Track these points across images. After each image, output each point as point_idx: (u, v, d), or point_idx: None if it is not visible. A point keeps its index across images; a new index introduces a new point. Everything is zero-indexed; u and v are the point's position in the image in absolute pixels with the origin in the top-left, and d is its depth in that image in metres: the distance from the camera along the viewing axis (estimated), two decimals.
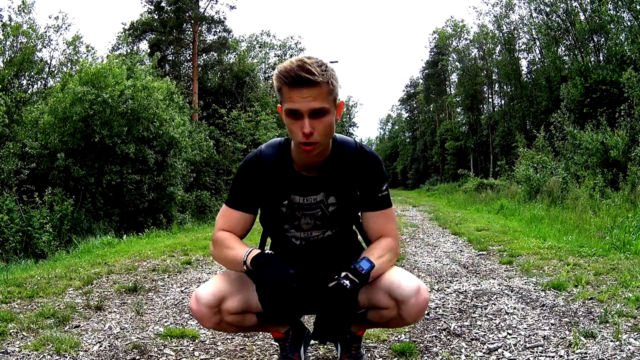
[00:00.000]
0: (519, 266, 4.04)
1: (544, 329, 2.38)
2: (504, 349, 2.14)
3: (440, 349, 2.19)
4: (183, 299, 3.26)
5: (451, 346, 2.22)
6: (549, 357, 2.03)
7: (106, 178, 10.44)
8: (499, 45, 27.86)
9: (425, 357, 2.10)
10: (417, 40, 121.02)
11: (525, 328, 2.42)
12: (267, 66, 29.62)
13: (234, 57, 24.83)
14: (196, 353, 2.19)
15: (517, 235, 6.20)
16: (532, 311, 2.71)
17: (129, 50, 20.31)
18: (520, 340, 2.24)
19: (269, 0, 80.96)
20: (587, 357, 2.00)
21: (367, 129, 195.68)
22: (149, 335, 2.45)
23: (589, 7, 18.43)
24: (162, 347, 2.26)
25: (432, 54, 35.91)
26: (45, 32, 13.44)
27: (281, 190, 1.65)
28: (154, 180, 11.46)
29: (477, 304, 2.94)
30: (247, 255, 1.52)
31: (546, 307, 2.77)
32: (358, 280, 1.48)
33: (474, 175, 20.97)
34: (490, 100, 31.82)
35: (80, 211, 10.00)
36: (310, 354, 2.12)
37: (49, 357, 2.10)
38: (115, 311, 2.91)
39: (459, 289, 3.35)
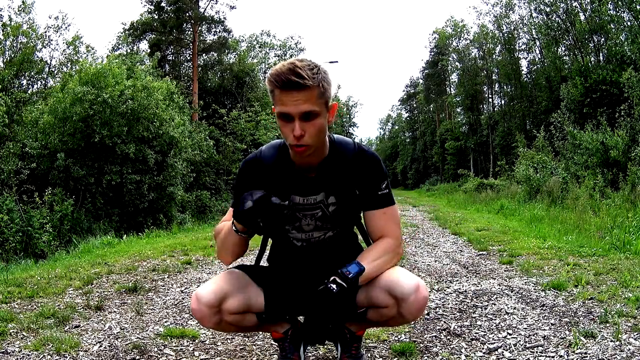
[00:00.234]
0: (519, 266, 4.04)
1: (544, 329, 2.38)
2: (504, 349, 2.14)
3: (440, 349, 2.19)
4: (183, 299, 3.26)
5: (451, 346, 2.22)
6: (549, 357, 2.03)
7: (106, 178, 10.45)
8: (499, 45, 27.86)
9: (425, 357, 2.10)
10: (417, 40, 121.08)
11: (525, 328, 2.42)
12: (267, 66, 29.58)
13: (234, 57, 24.84)
14: (196, 353, 2.19)
15: (517, 235, 6.21)
16: (532, 311, 2.71)
17: (129, 50, 20.29)
18: (520, 340, 2.24)
19: (269, 0, 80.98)
20: (587, 357, 2.00)
21: (367, 129, 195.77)
22: (149, 335, 2.45)
23: (589, 7, 18.43)
24: (162, 347, 2.26)
25: (432, 54, 35.92)
26: (45, 32, 13.45)
27: (281, 190, 1.66)
28: (154, 180, 11.46)
29: (477, 304, 2.94)
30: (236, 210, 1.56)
31: (546, 307, 2.77)
32: (345, 285, 1.50)
33: (474, 175, 20.98)
34: (490, 100, 31.83)
35: (80, 211, 10.00)
36: (310, 354, 2.12)
37: (49, 357, 2.10)
38: (115, 311, 2.92)
39: (459, 289, 3.35)
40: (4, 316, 2.65)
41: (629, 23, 15.75)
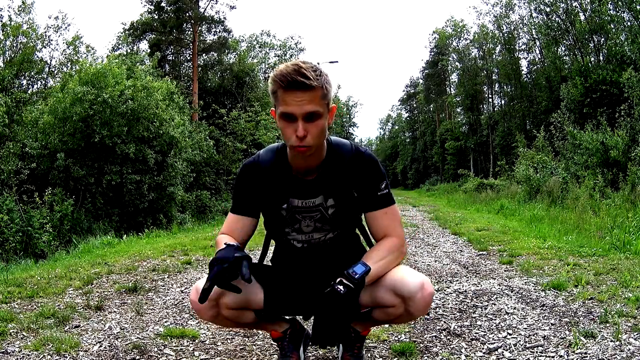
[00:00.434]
0: (519, 266, 4.04)
1: (544, 329, 2.38)
2: (504, 349, 2.14)
3: (440, 349, 2.19)
4: (183, 299, 3.26)
5: (451, 346, 2.22)
6: (549, 357, 2.03)
7: (106, 178, 10.45)
8: (499, 45, 27.87)
9: (425, 357, 2.10)
10: (417, 40, 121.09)
11: (525, 328, 2.42)
12: (267, 66, 29.60)
13: (234, 57, 24.83)
14: (196, 353, 2.19)
15: (517, 235, 6.21)
16: (532, 311, 2.71)
17: (129, 50, 20.29)
18: (520, 340, 2.24)
19: (269, 0, 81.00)
20: (587, 357, 2.00)
21: (367, 129, 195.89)
22: (149, 335, 2.45)
23: (589, 7, 18.42)
24: (162, 347, 2.26)
25: (432, 54, 35.93)
26: (45, 32, 13.48)
27: (280, 193, 1.67)
28: (154, 180, 11.46)
29: (477, 304, 2.94)
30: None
31: (546, 307, 2.77)
32: (352, 285, 1.50)
33: (474, 175, 20.97)
34: (490, 100, 31.84)
35: (80, 211, 10.01)
36: (310, 354, 2.12)
37: (49, 357, 2.10)
38: (115, 311, 2.92)
39: (459, 289, 3.35)
40: (4, 316, 2.65)
41: (629, 23, 15.75)
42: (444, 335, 2.38)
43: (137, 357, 2.13)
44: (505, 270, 3.97)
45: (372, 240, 1.75)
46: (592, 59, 18.58)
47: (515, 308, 2.79)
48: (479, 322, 2.56)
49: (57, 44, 19.51)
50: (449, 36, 33.09)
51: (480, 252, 5.00)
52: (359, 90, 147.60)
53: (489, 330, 2.42)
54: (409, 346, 2.15)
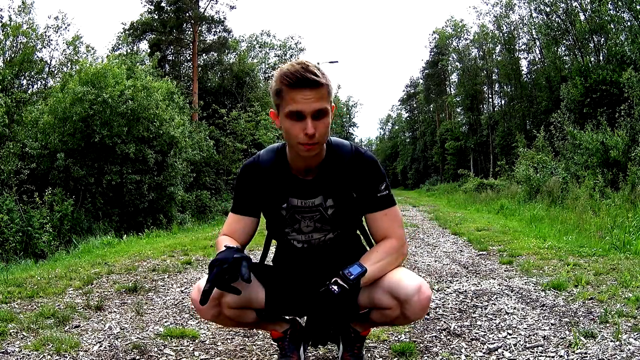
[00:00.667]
0: (519, 266, 4.04)
1: (544, 329, 2.38)
2: (504, 349, 2.14)
3: (440, 349, 2.19)
4: (183, 299, 3.26)
5: (451, 346, 2.22)
6: (549, 357, 2.03)
7: (106, 178, 10.45)
8: (499, 45, 27.87)
9: (425, 357, 2.10)
10: (417, 40, 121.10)
11: (525, 328, 2.42)
12: (267, 66, 29.59)
13: (234, 57, 24.82)
14: (196, 353, 2.19)
15: (517, 235, 6.20)
16: (532, 311, 2.71)
17: (129, 50, 20.28)
18: (520, 340, 2.24)
19: (269, 0, 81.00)
20: (587, 357, 2.00)
21: (367, 129, 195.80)
22: (149, 335, 2.45)
23: (589, 7, 18.42)
24: (162, 347, 2.26)
25: (432, 54, 35.92)
26: (45, 32, 13.46)
27: (279, 194, 1.67)
28: (154, 180, 11.46)
29: (477, 304, 2.94)
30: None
31: (546, 307, 2.77)
32: (346, 286, 1.50)
33: (474, 175, 20.98)
34: (490, 100, 31.83)
35: (80, 211, 10.00)
36: (310, 354, 2.12)
37: (49, 357, 2.11)
38: (115, 311, 2.92)
39: (459, 289, 3.35)
40: (4, 316, 2.65)
41: (629, 23, 15.74)
42: (444, 335, 2.38)
43: (137, 357, 2.13)
44: (505, 270, 3.97)
45: (373, 242, 1.75)
46: (592, 59, 18.58)
47: (515, 308, 2.79)
48: (479, 322, 2.56)
49: (57, 44, 19.46)
50: (449, 36, 33.09)
51: (480, 252, 5.00)
52: (359, 90, 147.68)
53: (489, 330, 2.42)
54: (409, 346, 2.15)
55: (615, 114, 11.06)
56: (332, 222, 1.70)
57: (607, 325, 2.36)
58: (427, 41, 40.20)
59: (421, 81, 43.07)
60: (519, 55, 26.77)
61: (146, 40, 21.37)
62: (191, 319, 2.76)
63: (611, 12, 16.60)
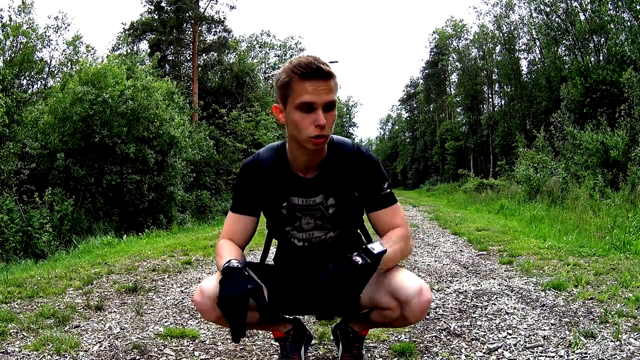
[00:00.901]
0: (519, 266, 4.04)
1: (544, 329, 2.38)
2: (504, 349, 2.14)
3: (440, 349, 2.19)
4: (183, 299, 3.26)
5: (451, 346, 2.22)
6: (549, 357, 2.03)
7: (106, 178, 10.45)
8: (499, 45, 27.87)
9: (425, 357, 2.10)
10: (417, 40, 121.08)
11: (525, 328, 2.42)
12: (267, 66, 29.61)
13: (234, 57, 24.83)
14: (196, 353, 2.19)
15: (517, 235, 6.20)
16: (532, 311, 2.71)
17: (129, 50, 20.31)
18: (520, 340, 2.24)
19: (269, 0, 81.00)
20: (587, 357, 2.00)
21: (367, 129, 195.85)
22: (149, 335, 2.45)
23: (589, 7, 18.42)
24: (162, 347, 2.26)
25: (432, 54, 35.92)
26: (45, 32, 13.46)
27: (280, 192, 1.66)
28: (154, 180, 11.46)
29: (477, 304, 2.94)
30: (223, 266, 1.50)
31: (546, 307, 2.77)
32: (369, 260, 1.43)
33: (474, 175, 20.97)
34: (490, 100, 31.83)
35: (80, 211, 10.01)
36: (310, 354, 2.12)
37: (49, 357, 2.10)
38: (115, 311, 2.92)
39: (459, 289, 3.35)
40: (4, 316, 2.65)
41: (629, 23, 15.74)
42: (444, 335, 2.38)
43: (137, 357, 2.13)
44: (505, 270, 3.97)
45: (378, 238, 1.74)
46: (592, 59, 18.58)
47: (515, 308, 2.79)
48: (479, 322, 2.56)
49: (57, 44, 19.44)
50: (449, 36, 33.09)
51: (480, 252, 5.00)
52: (359, 90, 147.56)
53: (489, 330, 2.42)
54: (409, 346, 2.15)
55: (615, 114, 11.07)
56: (332, 220, 1.70)
57: (607, 325, 2.36)
58: (427, 41, 40.26)
59: (421, 81, 43.08)
60: (519, 55, 26.81)
61: (146, 40, 21.39)
62: (191, 319, 2.76)
63: (611, 12, 16.59)
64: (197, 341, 2.35)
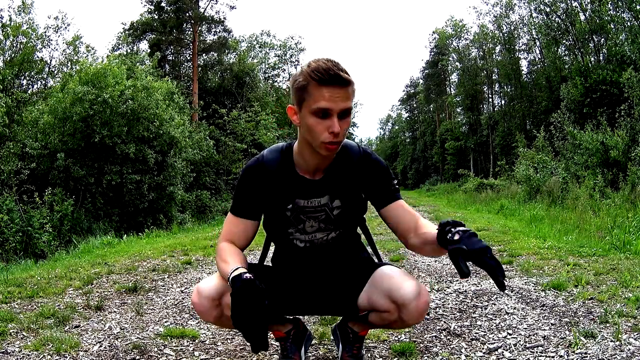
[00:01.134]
0: (519, 266, 4.04)
1: (544, 329, 2.37)
2: (504, 349, 2.14)
3: (440, 349, 2.19)
4: (183, 299, 3.26)
5: (451, 346, 2.22)
6: (549, 357, 2.03)
7: (106, 178, 10.45)
8: (499, 45, 27.88)
9: (425, 357, 2.10)
10: (417, 40, 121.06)
11: (525, 328, 2.42)
12: (267, 66, 29.64)
13: (234, 57, 24.85)
14: (196, 353, 2.19)
15: (517, 235, 6.20)
16: (532, 311, 2.71)
17: (129, 50, 20.32)
18: (520, 340, 2.24)
19: (269, 0, 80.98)
20: (587, 357, 2.00)
21: (367, 129, 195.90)
22: (149, 335, 2.45)
23: (589, 7, 18.43)
24: (162, 347, 2.26)
25: (432, 54, 35.93)
26: (45, 32, 13.46)
27: (285, 195, 1.64)
28: (154, 180, 11.46)
29: (477, 304, 2.94)
30: (231, 274, 1.46)
31: (546, 307, 2.77)
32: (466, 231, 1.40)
33: (474, 175, 20.97)
34: (490, 100, 31.85)
35: (80, 211, 10.00)
36: (310, 354, 2.12)
37: (49, 357, 2.10)
38: (115, 311, 2.91)
39: (459, 289, 3.35)
40: (4, 316, 2.65)
41: (629, 23, 15.74)
42: (444, 335, 2.38)
43: (137, 357, 2.13)
44: (505, 270, 3.96)
45: (396, 234, 1.69)
46: (592, 59, 18.58)
47: (515, 308, 2.79)
48: (479, 322, 2.56)
49: (57, 44, 19.47)
50: (449, 36, 33.10)
51: None
52: (359, 90, 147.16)
53: (489, 330, 2.42)
54: (409, 346, 2.15)
55: (615, 114, 11.07)
56: (336, 222, 1.69)
57: (607, 325, 2.36)
58: (427, 41, 40.28)
59: (421, 81, 43.08)
60: (519, 55, 26.83)
61: (146, 40, 21.40)
62: (191, 319, 2.76)
63: (611, 12, 16.60)
64: (197, 341, 2.35)
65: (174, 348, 2.25)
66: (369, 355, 2.12)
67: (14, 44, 12.48)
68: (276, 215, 1.68)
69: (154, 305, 3.08)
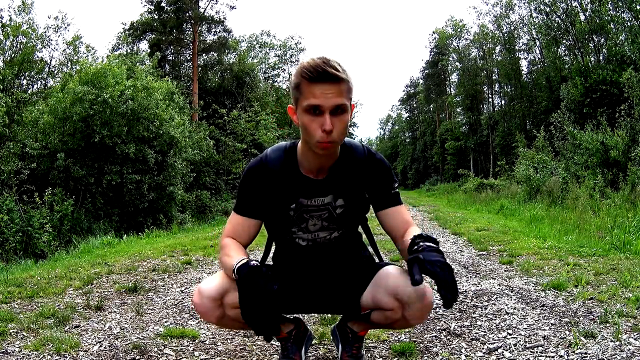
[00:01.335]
0: (519, 266, 4.04)
1: (544, 329, 2.38)
2: (504, 349, 2.14)
3: (440, 349, 2.19)
4: (183, 299, 3.26)
5: (451, 346, 2.22)
6: (549, 357, 2.03)
7: (106, 178, 10.45)
8: (499, 45, 27.90)
9: (425, 357, 2.10)
10: (417, 40, 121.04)
11: (525, 328, 2.42)
12: (267, 66, 29.64)
13: (234, 57, 24.85)
14: (196, 353, 2.19)
15: (517, 235, 6.20)
16: (532, 311, 2.71)
17: (129, 50, 20.33)
18: (520, 340, 2.24)
19: (269, 0, 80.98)
20: (587, 357, 2.00)
21: (367, 129, 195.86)
22: (149, 335, 2.45)
23: (589, 7, 18.43)
24: (162, 347, 2.26)
25: (432, 54, 35.95)
26: (45, 32, 13.47)
27: (289, 194, 1.64)
28: (154, 180, 11.46)
29: (477, 304, 2.94)
30: (236, 265, 1.48)
31: (546, 307, 2.77)
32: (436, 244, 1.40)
33: (474, 175, 20.98)
34: (490, 100, 31.86)
35: (80, 211, 10.00)
36: (310, 354, 2.12)
37: (49, 357, 2.10)
38: (115, 311, 2.91)
39: (459, 289, 3.35)
40: (4, 316, 2.65)
41: (629, 23, 15.74)
42: (444, 335, 2.38)
43: (137, 357, 2.13)
44: (505, 270, 3.97)
45: (392, 237, 1.71)
46: (592, 59, 18.58)
47: (515, 308, 2.79)
48: (479, 322, 2.56)
49: (57, 44, 19.51)
50: (449, 36, 33.11)
51: (480, 252, 5.00)
52: (359, 90, 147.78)
53: (489, 330, 2.42)
54: (409, 346, 2.15)
55: (615, 114, 11.07)
56: (339, 221, 1.70)
57: (607, 325, 2.36)
58: (427, 41, 40.31)
59: (421, 81, 43.10)
60: (519, 55, 26.84)
61: (146, 40, 21.40)
62: (191, 319, 2.76)
63: (611, 12, 16.60)
64: (197, 341, 2.35)
65: (174, 348, 2.25)
66: (369, 355, 2.12)
67: (14, 44, 12.49)
68: (280, 215, 1.68)
69: (154, 305, 3.08)
